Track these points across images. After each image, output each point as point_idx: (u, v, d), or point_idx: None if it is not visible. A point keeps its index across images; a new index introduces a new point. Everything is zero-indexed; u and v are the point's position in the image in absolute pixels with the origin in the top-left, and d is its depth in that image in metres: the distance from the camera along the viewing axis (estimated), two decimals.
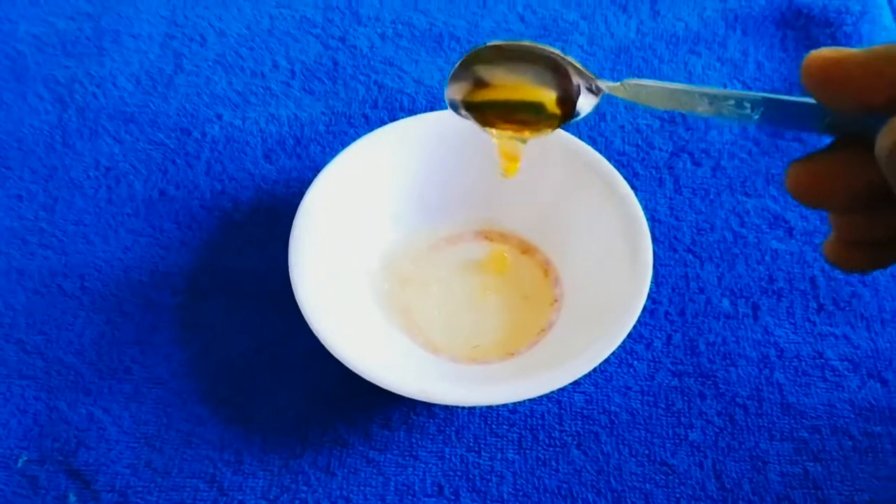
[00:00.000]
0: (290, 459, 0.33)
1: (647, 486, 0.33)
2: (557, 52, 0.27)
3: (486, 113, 0.29)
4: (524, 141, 0.30)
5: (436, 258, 0.38)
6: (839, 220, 0.18)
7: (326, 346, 0.32)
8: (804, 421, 0.34)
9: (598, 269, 0.35)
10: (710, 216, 0.40)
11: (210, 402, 0.35)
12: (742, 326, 0.37)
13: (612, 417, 0.34)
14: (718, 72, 0.46)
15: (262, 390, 0.35)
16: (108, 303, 0.38)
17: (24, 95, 0.45)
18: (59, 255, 0.39)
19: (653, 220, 0.39)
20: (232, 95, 0.45)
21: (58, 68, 0.47)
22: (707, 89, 0.20)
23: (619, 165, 0.39)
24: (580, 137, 0.38)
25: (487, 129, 0.30)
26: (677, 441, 0.34)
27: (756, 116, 0.19)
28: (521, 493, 0.33)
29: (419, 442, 0.34)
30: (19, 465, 0.33)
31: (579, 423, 0.34)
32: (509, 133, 0.30)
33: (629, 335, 0.32)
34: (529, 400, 0.34)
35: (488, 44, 0.28)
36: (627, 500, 0.32)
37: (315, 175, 0.37)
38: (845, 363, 0.36)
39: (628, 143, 0.43)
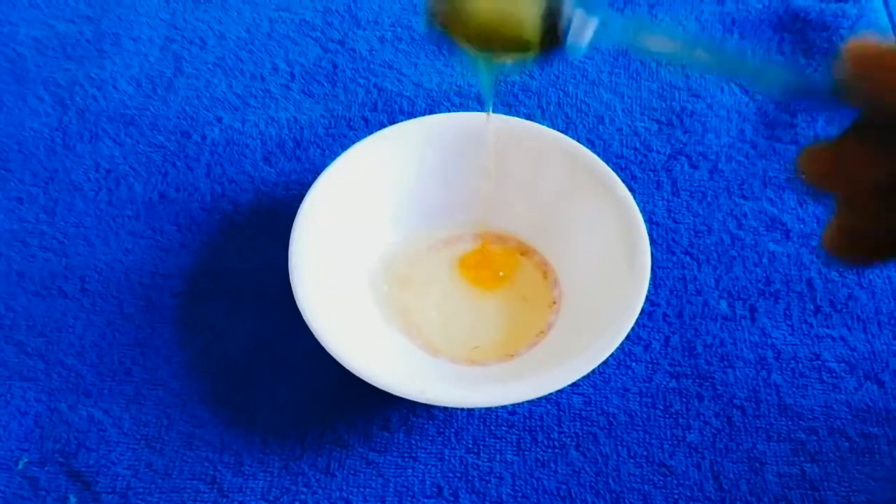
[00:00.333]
0: (289, 461, 0.34)
1: (646, 487, 0.33)
2: None
3: (467, 35, 0.25)
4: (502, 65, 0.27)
5: (435, 260, 0.38)
6: (847, 208, 0.17)
7: (326, 347, 0.32)
8: (801, 422, 0.34)
9: (597, 271, 0.36)
10: (708, 218, 0.40)
11: (210, 404, 0.35)
12: (739, 328, 0.37)
13: (611, 419, 0.34)
14: (716, 75, 0.46)
15: (262, 392, 0.35)
16: (109, 305, 0.38)
17: (25, 98, 0.46)
18: (60, 257, 0.39)
19: (651, 223, 0.40)
20: (232, 98, 0.45)
21: (58, 71, 0.47)
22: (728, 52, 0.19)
23: (617, 168, 0.39)
24: (578, 140, 0.38)
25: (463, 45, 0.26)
26: (675, 442, 0.34)
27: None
28: (520, 495, 0.33)
29: (418, 443, 0.34)
30: (20, 466, 0.34)
31: (578, 424, 0.34)
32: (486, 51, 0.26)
33: (627, 337, 0.32)
34: (528, 401, 0.35)
35: None
36: (626, 500, 0.32)
37: (315, 177, 0.37)
38: (842, 365, 0.36)
39: (626, 146, 0.43)
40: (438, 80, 0.46)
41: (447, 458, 0.34)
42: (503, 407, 0.35)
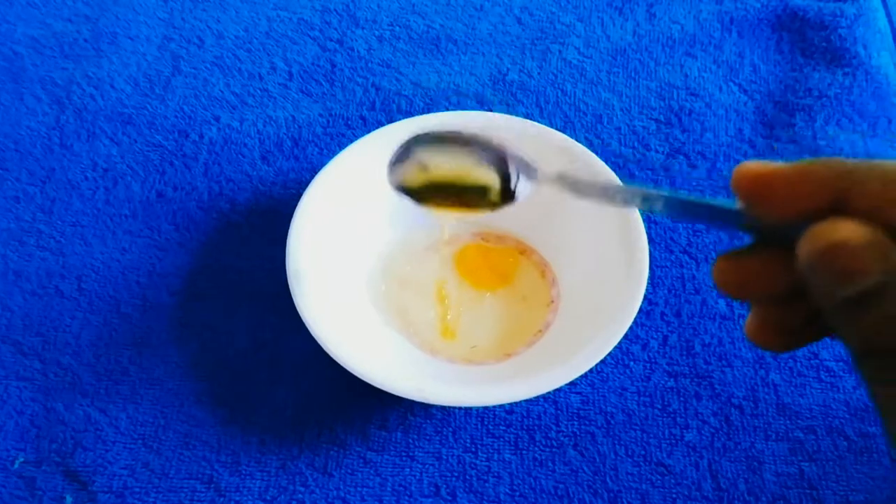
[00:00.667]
0: (287, 460, 0.33)
1: (644, 486, 0.33)
2: (498, 142, 0.27)
3: (428, 195, 0.28)
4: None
5: (433, 259, 0.38)
6: (759, 307, 0.19)
7: (324, 347, 0.32)
8: (799, 421, 0.34)
9: (595, 271, 0.36)
10: None
11: (207, 403, 0.35)
12: (738, 327, 0.37)
13: (609, 418, 0.34)
14: (714, 74, 0.46)
15: (260, 391, 0.35)
16: (106, 304, 0.38)
17: (22, 97, 0.45)
18: (57, 256, 0.39)
19: (649, 222, 0.40)
20: (230, 97, 0.45)
21: (55, 70, 0.47)
22: (642, 189, 0.21)
23: (616, 167, 0.39)
24: (577, 139, 0.38)
25: (428, 206, 0.29)
26: (673, 441, 0.34)
27: (662, 210, 0.20)
28: (517, 494, 0.33)
29: (416, 443, 0.34)
30: (16, 466, 0.33)
31: (576, 423, 0.34)
32: (450, 211, 0.29)
33: (625, 336, 0.32)
34: (526, 400, 0.35)
35: (429, 132, 0.28)
36: (624, 500, 0.32)
37: (312, 176, 0.37)
38: (840, 364, 0.36)
39: (625, 145, 0.43)
40: (436, 80, 0.46)
41: (445, 457, 0.34)
42: (501, 406, 0.35)
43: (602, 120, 0.44)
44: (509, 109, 0.45)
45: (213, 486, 0.33)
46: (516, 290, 0.38)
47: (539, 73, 0.46)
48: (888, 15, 0.50)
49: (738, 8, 0.49)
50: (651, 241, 0.36)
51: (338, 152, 0.37)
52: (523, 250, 0.39)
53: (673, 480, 0.33)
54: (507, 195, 0.27)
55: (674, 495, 0.32)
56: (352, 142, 0.38)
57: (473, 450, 0.34)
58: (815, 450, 0.33)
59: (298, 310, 0.32)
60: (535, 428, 0.34)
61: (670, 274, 0.38)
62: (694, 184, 0.42)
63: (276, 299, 0.37)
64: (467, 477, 0.33)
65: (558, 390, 0.35)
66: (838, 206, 0.16)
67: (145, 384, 0.35)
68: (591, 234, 0.36)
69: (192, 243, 0.40)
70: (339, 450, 0.34)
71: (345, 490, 0.33)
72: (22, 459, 0.34)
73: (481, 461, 0.33)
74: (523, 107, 0.45)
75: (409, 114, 0.44)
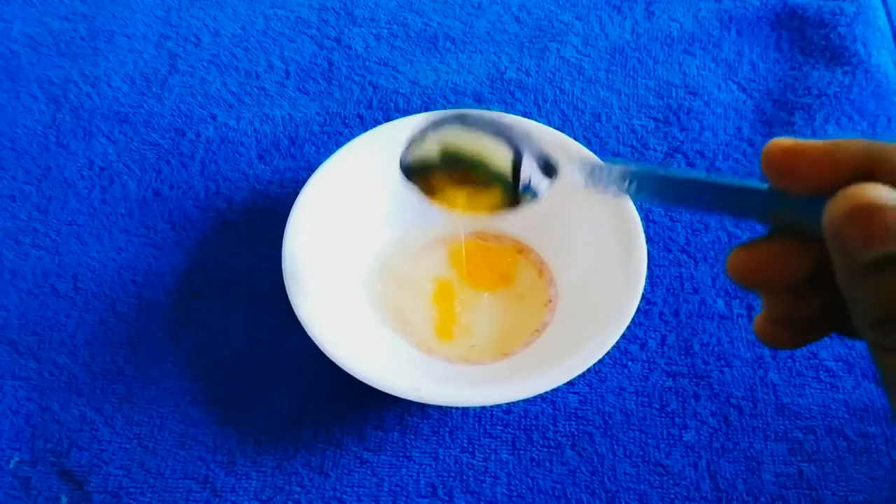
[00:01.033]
0: (283, 460, 0.33)
1: (642, 486, 0.33)
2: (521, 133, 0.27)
3: (438, 181, 0.29)
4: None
5: (430, 258, 0.38)
6: (770, 300, 0.20)
7: (320, 346, 0.31)
8: (798, 421, 0.34)
9: (593, 270, 0.35)
10: (705, 216, 0.40)
11: (203, 403, 0.35)
12: (736, 327, 0.37)
13: (607, 418, 0.34)
14: (713, 72, 0.46)
15: (256, 390, 0.35)
16: (102, 303, 0.38)
17: (18, 95, 0.45)
18: (53, 255, 0.39)
19: (647, 221, 0.39)
20: (226, 96, 0.45)
21: (52, 68, 0.46)
22: (689, 175, 0.21)
23: None
24: (575, 138, 0.38)
25: (434, 199, 0.30)
26: (672, 442, 0.34)
27: (707, 198, 0.20)
28: (515, 494, 0.32)
29: (413, 443, 0.34)
30: (11, 466, 0.33)
31: (573, 423, 0.34)
32: (455, 207, 0.29)
33: (623, 335, 0.32)
34: (523, 400, 0.34)
35: (456, 112, 0.28)
36: (622, 500, 0.32)
37: (309, 175, 0.36)
38: (840, 363, 0.36)
39: (623, 144, 0.43)
40: (434, 78, 0.46)
41: (442, 457, 0.33)
42: (498, 406, 0.34)
43: (600, 118, 0.44)
44: (507, 108, 0.44)
45: (208, 486, 0.33)
46: (514, 289, 0.38)
47: (537, 72, 0.46)
48: (888, 13, 0.50)
49: (738, 6, 0.49)
50: (649, 240, 0.36)
51: (335, 151, 0.37)
52: (521, 249, 0.38)
53: (671, 481, 0.33)
54: (514, 198, 0.27)
55: (672, 496, 0.32)
56: (349, 140, 0.38)
57: (470, 450, 0.34)
58: (815, 450, 0.33)
59: (294, 309, 0.32)
60: (533, 428, 0.34)
61: (668, 273, 0.38)
62: None
63: (273, 298, 0.37)
64: (464, 477, 0.33)
65: (556, 390, 0.34)
66: (865, 178, 0.17)
67: (141, 383, 0.35)
68: (589, 234, 0.36)
69: (188, 242, 0.40)
70: (336, 450, 0.34)
71: (341, 490, 0.33)
72: (17, 459, 0.33)
73: (478, 461, 0.33)
74: (521, 105, 0.45)
75: (406, 112, 0.44)
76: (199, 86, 0.46)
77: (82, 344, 0.36)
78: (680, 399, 0.35)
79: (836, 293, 0.17)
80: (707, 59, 0.47)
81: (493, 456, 0.33)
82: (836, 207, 0.16)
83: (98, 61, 0.47)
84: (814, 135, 0.43)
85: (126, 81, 0.46)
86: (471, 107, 0.44)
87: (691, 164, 0.42)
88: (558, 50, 0.47)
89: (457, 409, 0.34)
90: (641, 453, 0.33)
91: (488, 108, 0.44)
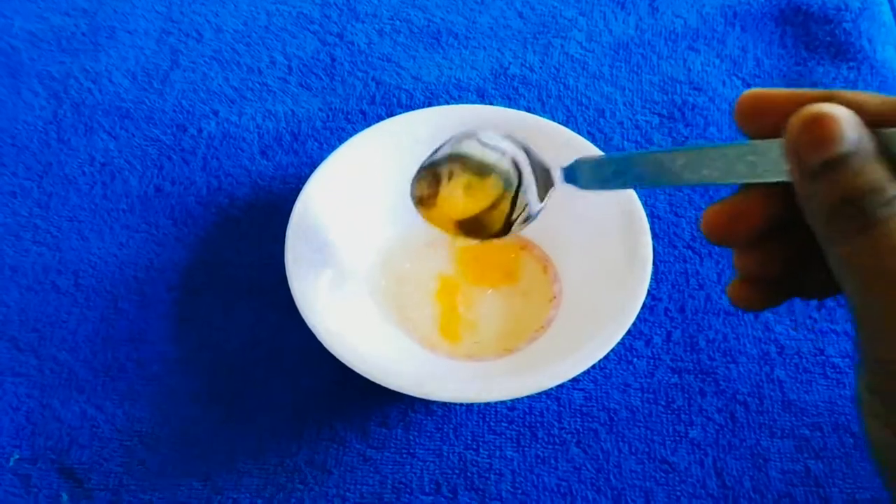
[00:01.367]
0: (285, 457, 0.33)
1: (648, 483, 0.32)
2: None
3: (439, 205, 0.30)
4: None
5: (433, 254, 0.38)
6: (741, 259, 0.22)
7: (322, 342, 0.31)
8: (805, 418, 0.34)
9: (598, 266, 0.35)
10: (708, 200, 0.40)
11: (204, 400, 0.34)
12: (742, 323, 0.36)
13: (612, 415, 0.34)
14: (717, 68, 0.46)
15: (258, 387, 0.35)
16: (103, 299, 0.37)
17: (19, 91, 0.45)
18: (54, 251, 0.39)
19: (652, 217, 0.39)
20: (228, 91, 0.45)
21: (53, 64, 0.46)
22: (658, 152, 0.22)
23: None
24: (579, 133, 0.37)
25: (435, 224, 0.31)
26: (677, 438, 0.33)
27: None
28: (519, 492, 0.32)
29: (416, 439, 0.33)
30: (11, 463, 0.33)
31: (578, 420, 0.34)
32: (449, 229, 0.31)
33: (628, 332, 0.31)
34: (528, 397, 0.34)
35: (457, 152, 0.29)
36: (627, 498, 0.32)
37: (312, 171, 0.36)
38: (846, 360, 0.35)
39: (627, 140, 0.43)
40: (437, 74, 0.45)
41: (446, 454, 0.33)
42: (503, 402, 0.34)
43: (604, 114, 0.44)
44: (511, 103, 0.44)
45: (209, 483, 0.32)
46: (518, 285, 0.37)
47: (541, 67, 0.46)
48: (893, 9, 0.49)
49: (742, 2, 0.49)
50: (654, 235, 0.36)
51: (337, 147, 0.37)
52: (525, 245, 0.38)
53: (677, 478, 0.32)
54: (507, 225, 0.29)
55: (678, 493, 0.32)
56: (352, 136, 0.37)
57: (475, 447, 0.33)
58: (822, 447, 0.33)
59: (297, 306, 0.32)
60: (538, 425, 0.34)
61: (674, 269, 0.38)
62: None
63: (275, 295, 0.36)
64: (468, 474, 0.33)
65: (561, 387, 0.34)
66: None
67: (142, 380, 0.35)
68: (593, 229, 0.36)
69: (190, 238, 0.39)
70: (339, 447, 0.33)
71: (344, 488, 0.32)
72: (17, 457, 0.33)
73: (483, 458, 0.33)
74: (525, 101, 0.44)
75: (409, 108, 0.44)
76: (201, 81, 0.45)
77: (83, 340, 0.36)
78: (686, 395, 0.34)
79: (796, 250, 0.19)
80: (711, 54, 0.46)
81: (497, 453, 0.33)
82: (795, 119, 0.18)
83: (99, 57, 0.46)
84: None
85: (127, 77, 0.46)
86: (474, 102, 0.44)
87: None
88: (562, 45, 0.47)
89: (461, 405, 0.34)
90: (647, 450, 0.33)
91: (493, 104, 0.44)
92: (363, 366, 0.31)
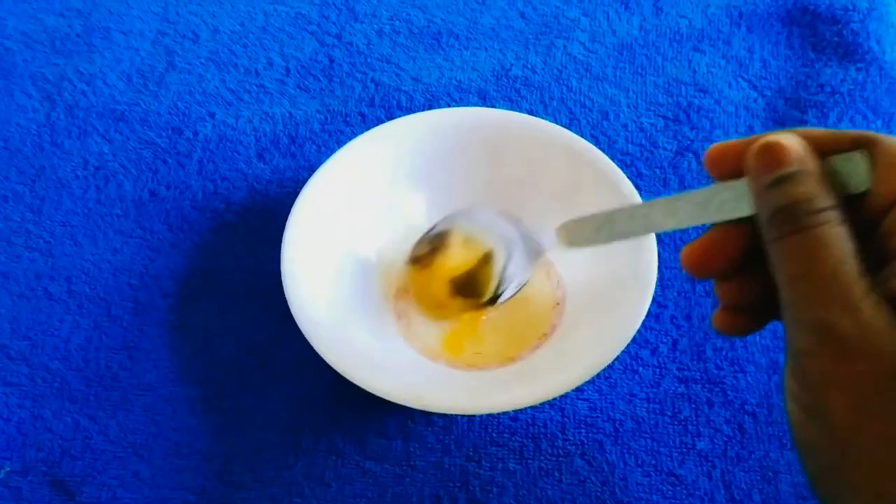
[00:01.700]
0: (282, 469, 0.32)
1: (654, 497, 0.31)
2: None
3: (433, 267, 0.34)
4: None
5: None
6: (721, 289, 0.24)
7: (319, 352, 0.30)
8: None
9: (602, 272, 0.34)
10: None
11: (200, 410, 0.34)
12: None
13: (617, 426, 0.33)
14: (723, 70, 0.45)
15: (254, 397, 0.34)
16: (96, 306, 0.37)
17: (12, 93, 0.44)
18: (46, 257, 0.38)
19: None
20: (225, 93, 0.44)
21: (46, 65, 0.45)
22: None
23: (623, 165, 0.38)
24: (583, 136, 0.37)
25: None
26: (685, 450, 0.33)
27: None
28: None
29: (417, 451, 0.33)
30: (1, 475, 0.32)
31: (583, 431, 0.33)
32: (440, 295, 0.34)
33: (634, 340, 0.31)
34: (531, 407, 0.33)
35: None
36: None
37: (310, 175, 0.35)
38: None
39: (632, 143, 0.42)
40: (437, 75, 0.45)
41: (446, 466, 0.32)
42: (505, 413, 0.33)
43: (608, 116, 0.43)
44: (513, 105, 0.43)
45: (205, 496, 0.32)
46: (520, 291, 0.36)
47: (543, 69, 0.45)
48: None
49: (747, 2, 0.48)
50: (660, 241, 0.35)
51: (336, 150, 0.36)
52: None
53: (685, 491, 0.32)
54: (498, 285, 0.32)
55: None
56: (350, 139, 0.37)
57: (476, 459, 0.32)
58: None
59: (293, 314, 0.31)
60: (541, 436, 0.33)
61: (680, 276, 0.37)
62: (704, 182, 0.40)
63: (272, 302, 0.35)
64: (470, 487, 0.32)
65: (564, 396, 0.33)
66: None
67: (136, 390, 0.34)
68: None
69: (185, 244, 0.38)
70: (337, 459, 0.32)
71: (343, 501, 0.32)
72: (8, 469, 0.32)
73: (484, 471, 0.32)
74: (527, 103, 0.44)
75: (409, 110, 0.43)
76: (197, 83, 0.45)
77: (76, 349, 0.35)
78: (693, 406, 0.34)
79: (770, 277, 0.21)
80: (717, 56, 0.46)
81: (499, 465, 0.32)
82: (753, 147, 0.21)
83: (93, 58, 0.46)
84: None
85: (122, 79, 0.45)
86: (475, 104, 0.43)
87: (701, 164, 0.41)
88: (565, 46, 0.46)
89: (462, 416, 0.33)
90: (654, 462, 0.32)
91: (494, 106, 0.43)
92: (361, 376, 0.30)
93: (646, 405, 0.34)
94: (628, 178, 0.35)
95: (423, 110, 0.42)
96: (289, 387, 0.34)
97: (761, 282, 0.22)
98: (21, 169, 0.41)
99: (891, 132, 0.42)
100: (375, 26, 0.47)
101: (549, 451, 0.33)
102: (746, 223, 0.22)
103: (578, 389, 0.32)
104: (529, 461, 0.32)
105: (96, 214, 0.40)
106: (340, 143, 0.37)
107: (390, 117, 0.42)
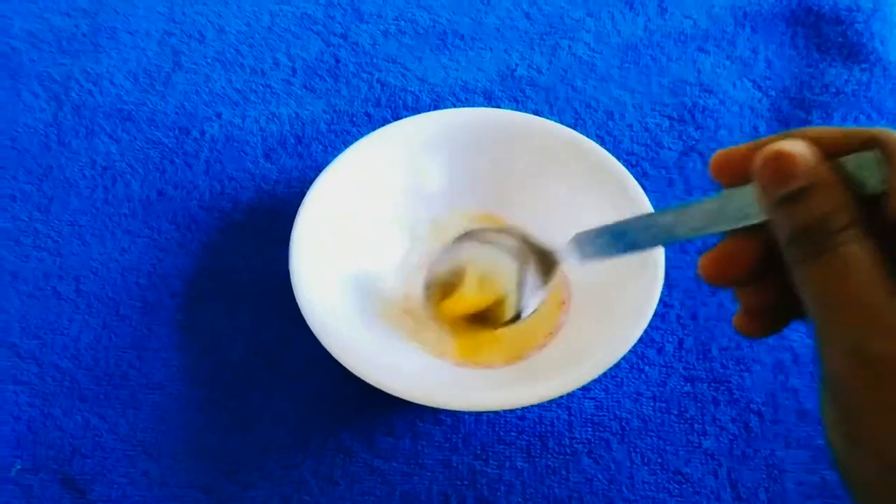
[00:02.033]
0: (290, 468, 0.32)
1: (661, 495, 0.32)
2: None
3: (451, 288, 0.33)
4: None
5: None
6: (741, 294, 0.23)
7: (328, 349, 0.31)
8: (821, 428, 0.33)
9: (608, 271, 0.34)
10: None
11: (208, 409, 0.34)
12: None
13: (624, 424, 0.33)
14: (728, 70, 0.45)
15: (262, 396, 0.34)
16: (105, 306, 0.37)
17: (19, 93, 0.44)
18: (54, 256, 0.38)
19: None
20: (231, 93, 0.44)
21: (53, 65, 0.46)
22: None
23: (629, 165, 0.38)
24: (589, 136, 0.37)
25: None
26: (691, 449, 0.33)
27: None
28: (529, 503, 0.32)
29: (425, 450, 0.33)
30: (13, 473, 0.32)
31: (590, 429, 0.33)
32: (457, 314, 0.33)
33: (640, 339, 0.31)
34: (538, 406, 0.34)
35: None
36: None
37: (316, 175, 0.36)
38: None
39: (637, 143, 0.42)
40: (443, 75, 0.45)
41: (454, 464, 0.32)
42: (512, 412, 0.34)
43: (613, 117, 0.43)
44: (518, 106, 0.43)
45: (213, 495, 0.32)
46: None
47: (548, 69, 0.45)
48: None
49: (752, 2, 0.48)
50: None
51: (342, 150, 0.36)
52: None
53: (691, 489, 0.32)
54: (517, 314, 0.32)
55: None
56: (357, 139, 0.37)
57: (484, 457, 0.33)
58: None
59: (302, 312, 0.31)
60: (548, 434, 0.33)
61: (686, 275, 0.37)
62: (709, 182, 0.40)
63: (280, 301, 0.36)
64: (478, 485, 0.32)
65: (571, 395, 0.34)
66: None
67: (145, 389, 0.34)
68: None
69: (193, 243, 0.39)
70: (345, 457, 0.33)
71: (351, 499, 0.32)
72: (19, 467, 0.33)
73: (492, 469, 0.32)
74: (532, 103, 0.44)
75: (415, 110, 0.43)
76: (204, 83, 0.45)
77: (85, 348, 0.36)
78: (699, 405, 0.34)
79: (786, 282, 0.20)
80: (721, 56, 0.46)
81: (507, 463, 0.33)
82: (759, 157, 0.20)
83: (100, 58, 0.46)
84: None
85: (129, 79, 0.45)
86: (481, 104, 0.44)
87: (707, 164, 0.41)
88: (570, 47, 0.46)
89: (470, 414, 0.34)
90: (660, 461, 0.32)
91: (499, 106, 0.43)
92: (369, 374, 0.30)
93: (652, 404, 0.34)
94: (634, 178, 0.35)
95: (428, 110, 0.42)
96: (296, 386, 0.34)
97: (780, 284, 0.22)
98: (29, 168, 0.41)
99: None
100: (381, 26, 0.47)
101: (557, 449, 0.33)
102: (761, 228, 0.21)
103: (585, 388, 0.32)
104: (537, 459, 0.33)
105: (104, 214, 0.40)
106: (347, 144, 0.37)
107: (396, 117, 0.42)
